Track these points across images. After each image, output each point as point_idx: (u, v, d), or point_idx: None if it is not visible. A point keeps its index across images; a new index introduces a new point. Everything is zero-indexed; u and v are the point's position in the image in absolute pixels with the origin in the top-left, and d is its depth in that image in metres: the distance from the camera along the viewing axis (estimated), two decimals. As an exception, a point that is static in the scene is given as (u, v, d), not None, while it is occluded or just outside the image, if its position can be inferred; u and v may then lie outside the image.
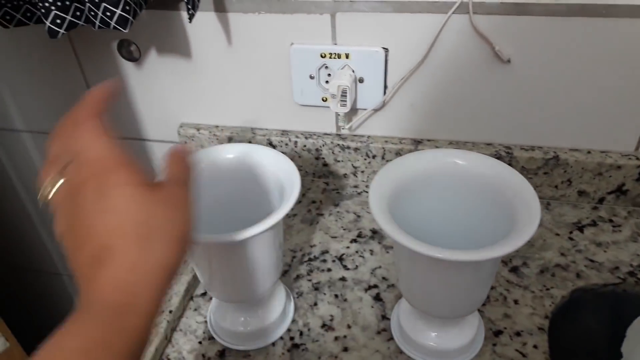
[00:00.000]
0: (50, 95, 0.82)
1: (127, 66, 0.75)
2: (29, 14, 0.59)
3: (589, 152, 0.67)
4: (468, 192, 0.49)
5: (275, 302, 0.56)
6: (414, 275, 0.48)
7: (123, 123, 0.81)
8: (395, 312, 0.58)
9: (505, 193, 0.46)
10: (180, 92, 0.75)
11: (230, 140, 0.76)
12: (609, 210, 0.69)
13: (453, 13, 0.59)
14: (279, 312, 0.56)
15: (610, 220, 0.67)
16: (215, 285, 0.52)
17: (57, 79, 0.79)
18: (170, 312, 0.58)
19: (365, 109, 0.69)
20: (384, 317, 0.58)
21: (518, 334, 0.55)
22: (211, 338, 0.57)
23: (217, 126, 0.77)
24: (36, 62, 0.78)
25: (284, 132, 0.75)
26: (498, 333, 0.56)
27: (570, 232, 0.66)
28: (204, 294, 0.62)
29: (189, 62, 0.72)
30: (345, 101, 0.64)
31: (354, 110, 0.69)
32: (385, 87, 0.67)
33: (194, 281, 0.63)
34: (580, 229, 0.66)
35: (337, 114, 0.70)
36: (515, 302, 0.59)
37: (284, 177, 0.49)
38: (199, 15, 0.66)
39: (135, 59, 0.73)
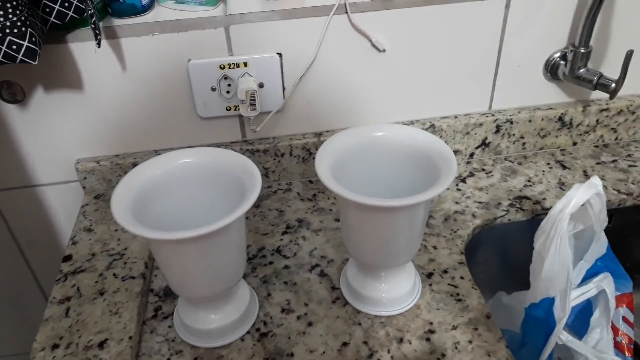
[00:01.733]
0: None
1: (8, 108, 0.70)
2: None
3: (455, 117, 0.81)
4: (393, 158, 0.57)
5: (241, 296, 0.59)
6: (361, 231, 0.55)
7: (7, 172, 0.75)
8: (343, 280, 0.64)
9: (425, 154, 0.55)
10: (72, 128, 0.73)
11: (134, 166, 0.76)
12: (479, 161, 0.84)
13: (333, 14, 0.68)
14: (245, 304, 0.58)
15: (483, 169, 0.82)
16: (187, 284, 0.53)
17: None
18: (130, 338, 0.57)
19: (268, 112, 0.74)
20: (334, 288, 0.64)
21: (445, 271, 0.65)
22: (178, 352, 0.57)
23: (117, 155, 0.76)
24: None
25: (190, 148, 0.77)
26: (430, 275, 0.65)
27: (457, 185, 0.79)
28: (154, 316, 0.62)
29: (80, 94, 0.70)
30: (255, 104, 0.69)
31: (257, 115, 0.74)
32: (284, 88, 0.73)
33: (144, 305, 0.62)
34: (464, 180, 0.80)
35: (247, 119, 0.74)
36: (434, 247, 0.69)
37: (243, 175, 0.52)
38: (89, 45, 0.66)
39: (19, 100, 0.69)
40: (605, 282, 0.65)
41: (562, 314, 0.58)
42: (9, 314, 0.93)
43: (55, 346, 0.56)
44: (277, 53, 0.70)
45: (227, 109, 0.73)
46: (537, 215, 0.74)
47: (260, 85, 0.72)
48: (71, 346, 0.56)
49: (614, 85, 0.72)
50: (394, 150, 0.57)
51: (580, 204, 0.58)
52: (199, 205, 0.57)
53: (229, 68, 0.70)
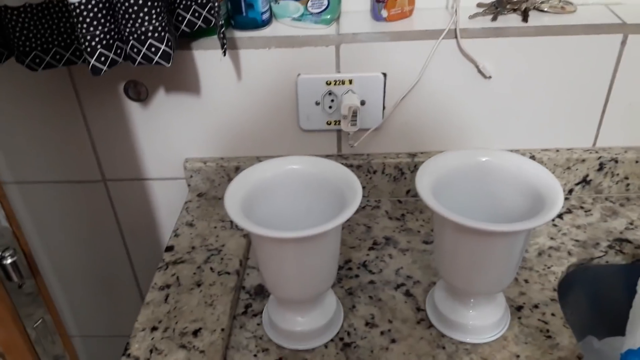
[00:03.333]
0: (46, 141, 0.81)
1: (132, 106, 0.77)
2: (57, 57, 0.61)
3: (557, 150, 0.79)
4: (496, 185, 0.57)
5: (328, 304, 0.60)
6: (456, 252, 0.55)
7: (124, 164, 0.82)
8: (429, 302, 0.64)
9: (530, 183, 0.55)
10: (185, 128, 0.79)
11: (237, 170, 0.80)
12: (577, 199, 0.81)
13: (443, 39, 0.69)
14: (332, 312, 0.60)
15: (581, 207, 0.79)
16: (281, 283, 0.55)
17: (55, 123, 0.79)
18: (222, 330, 0.60)
19: (367, 129, 0.76)
20: (419, 309, 0.64)
21: (536, 306, 0.64)
22: (265, 350, 0.60)
23: (222, 158, 0.81)
24: (33, 107, 0.78)
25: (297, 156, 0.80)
26: (520, 308, 0.63)
27: (553, 220, 0.77)
28: (245, 312, 0.65)
29: (196, 98, 0.76)
30: (356, 121, 0.72)
31: (356, 131, 0.76)
32: (384, 107, 0.75)
33: (236, 300, 0.65)
34: (560, 217, 0.77)
35: (345, 134, 0.77)
36: (526, 281, 0.67)
37: (344, 186, 0.54)
38: (210, 53, 0.71)
39: (142, 99, 0.76)
40: None
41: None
42: (103, 296, 1.01)
43: (154, 328, 0.61)
44: (382, 73, 0.72)
45: (327, 123, 0.76)
46: (638, 260, 0.70)
47: (362, 103, 0.74)
48: (168, 330, 0.60)
49: None
50: (497, 177, 0.57)
51: None
52: (298, 210, 0.59)
53: (335, 84, 0.73)
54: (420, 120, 0.77)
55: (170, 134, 0.79)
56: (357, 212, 0.80)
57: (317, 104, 0.74)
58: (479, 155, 0.58)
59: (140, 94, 0.76)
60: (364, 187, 0.81)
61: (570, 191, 0.81)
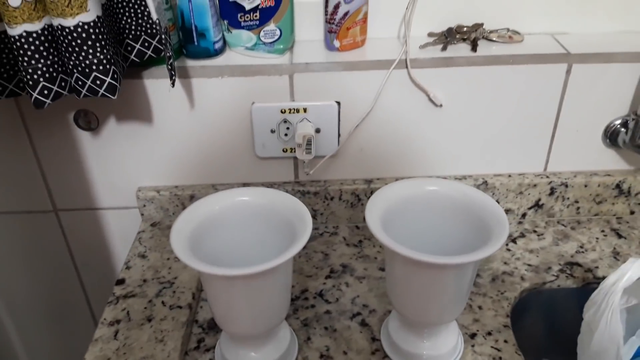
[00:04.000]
0: (-10, 172, 0.78)
1: (83, 135, 0.75)
2: (21, 84, 0.59)
3: (509, 176, 0.80)
4: (444, 214, 0.58)
5: (282, 337, 0.59)
6: (407, 284, 0.55)
7: (76, 193, 0.80)
8: (384, 332, 0.63)
9: (476, 212, 0.56)
10: (138, 157, 0.77)
11: (192, 198, 0.79)
12: (530, 222, 0.82)
13: (394, 69, 0.70)
14: (285, 346, 0.59)
15: (534, 231, 0.80)
16: (231, 319, 0.54)
17: (2, 153, 0.77)
18: (172, 367, 0.58)
19: (322, 156, 0.76)
20: (374, 339, 0.64)
21: (489, 333, 0.64)
22: (216, 386, 0.58)
23: (176, 186, 0.80)
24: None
25: (246, 185, 0.80)
26: (473, 335, 0.64)
27: (507, 245, 0.78)
28: (197, 347, 0.63)
29: (148, 127, 0.75)
30: (310, 149, 0.72)
31: (312, 158, 0.76)
32: (339, 135, 0.75)
33: (188, 335, 0.64)
34: (514, 241, 0.78)
35: (301, 162, 0.77)
36: (480, 307, 0.67)
37: (294, 217, 0.54)
38: (162, 82, 0.71)
39: (92, 128, 0.74)
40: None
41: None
42: (57, 330, 0.97)
43: (101, 367, 0.59)
44: (336, 101, 0.73)
45: (283, 151, 0.76)
46: (589, 283, 0.72)
47: (317, 131, 0.74)
48: (116, 369, 0.58)
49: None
50: (445, 206, 0.58)
51: (635, 278, 0.56)
52: (250, 242, 0.58)
53: (289, 113, 0.73)
54: (375, 147, 0.77)
55: (122, 163, 0.78)
56: (314, 239, 0.80)
57: (273, 131, 0.74)
58: (426, 184, 0.58)
59: (91, 122, 0.74)
60: (321, 214, 0.81)
61: (524, 215, 0.82)
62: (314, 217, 0.81)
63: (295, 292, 0.70)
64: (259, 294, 0.53)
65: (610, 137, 0.77)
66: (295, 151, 0.75)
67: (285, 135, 0.75)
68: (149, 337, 0.62)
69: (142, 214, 0.80)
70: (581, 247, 0.77)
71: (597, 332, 0.56)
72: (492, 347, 0.62)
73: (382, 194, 0.57)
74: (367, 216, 0.54)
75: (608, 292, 0.57)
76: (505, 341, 0.63)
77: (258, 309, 0.54)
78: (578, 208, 0.82)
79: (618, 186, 0.80)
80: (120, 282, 0.70)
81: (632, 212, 0.83)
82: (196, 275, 0.71)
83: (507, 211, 0.82)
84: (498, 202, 0.80)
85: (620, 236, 0.79)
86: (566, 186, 0.80)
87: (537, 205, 0.81)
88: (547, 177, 0.80)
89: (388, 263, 0.57)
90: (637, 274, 0.56)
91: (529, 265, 0.74)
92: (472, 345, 0.62)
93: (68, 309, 0.94)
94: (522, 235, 0.79)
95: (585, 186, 0.80)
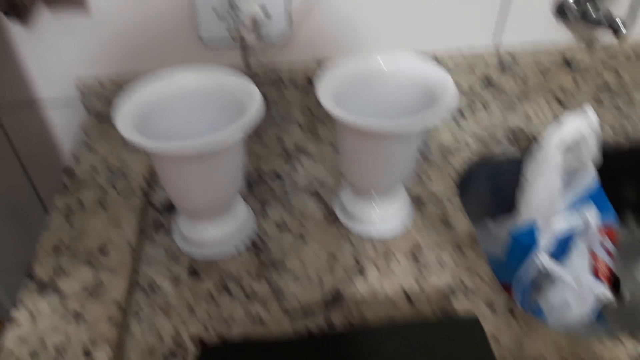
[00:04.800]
0: None
1: (12, 27, 0.70)
2: None
3: (459, 49, 0.80)
4: (395, 88, 0.57)
5: (239, 211, 0.61)
6: (355, 153, 0.56)
7: (13, 87, 0.76)
8: (337, 202, 0.65)
9: (427, 84, 0.55)
10: (75, 45, 0.73)
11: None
12: (479, 96, 0.83)
13: None
14: (242, 218, 0.60)
15: (482, 104, 0.82)
16: (185, 196, 0.55)
17: None
18: (131, 246, 0.59)
19: (272, 42, 0.74)
20: (329, 211, 0.66)
21: (436, 198, 0.67)
22: (176, 260, 0.60)
23: (118, 74, 0.77)
24: None
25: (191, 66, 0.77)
26: (421, 202, 0.67)
27: (455, 118, 0.79)
28: (154, 228, 0.64)
29: (83, 13, 0.70)
30: (259, 32, 0.69)
31: (262, 45, 0.74)
32: (289, 21, 0.73)
33: (144, 218, 0.64)
34: (462, 115, 0.80)
35: (251, 49, 0.74)
36: (429, 177, 0.70)
37: (244, 96, 0.53)
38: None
39: (22, 18, 0.69)
40: (589, 213, 0.66)
41: (543, 236, 0.60)
42: (10, 224, 0.96)
43: (57, 249, 0.59)
44: (281, -25, 0.69)
45: (231, 36, 0.73)
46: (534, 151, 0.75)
47: (266, 15, 0.71)
48: (73, 250, 0.59)
49: (622, 28, 0.71)
50: (396, 80, 0.57)
51: (572, 133, 0.59)
52: (200, 125, 0.57)
53: (232, -11, 0.69)
54: (326, 29, 0.75)
55: (58, 52, 0.73)
56: (269, 126, 0.80)
57: (217, 12, 0.71)
58: (376, 59, 0.57)
59: (21, 12, 0.68)
60: (275, 103, 0.80)
61: (472, 89, 0.84)
62: (267, 106, 0.80)
63: (253, 174, 0.71)
64: (210, 170, 0.53)
65: (559, 9, 0.77)
66: (243, 35, 0.72)
67: (232, 18, 0.71)
68: (104, 222, 0.62)
69: (84, 105, 0.77)
70: (527, 117, 0.80)
71: (536, 185, 0.60)
72: (439, 210, 0.65)
73: (333, 71, 0.56)
74: (319, 91, 0.53)
75: (547, 147, 0.59)
76: (452, 205, 0.66)
77: (209, 183, 0.54)
78: (526, 81, 0.84)
79: (565, 58, 0.81)
80: (70, 172, 0.69)
81: (577, 84, 0.85)
82: (147, 161, 0.70)
83: (457, 85, 0.82)
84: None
85: (564, 106, 0.82)
86: (514, 59, 0.81)
87: (486, 78, 0.82)
88: (496, 50, 0.80)
89: (339, 135, 0.58)
90: (574, 129, 0.59)
91: (477, 136, 0.76)
92: (421, 210, 0.65)
93: (19, 203, 0.92)
94: (471, 109, 0.81)
95: (533, 59, 0.81)
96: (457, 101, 0.53)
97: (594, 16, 0.74)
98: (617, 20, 0.72)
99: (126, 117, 0.51)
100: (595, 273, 0.72)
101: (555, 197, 0.60)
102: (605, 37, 0.80)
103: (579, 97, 0.83)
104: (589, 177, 0.66)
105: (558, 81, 0.84)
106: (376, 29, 0.77)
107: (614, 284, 0.74)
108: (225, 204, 0.58)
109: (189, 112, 0.57)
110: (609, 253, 0.73)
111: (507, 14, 0.77)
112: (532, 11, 0.78)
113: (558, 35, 0.81)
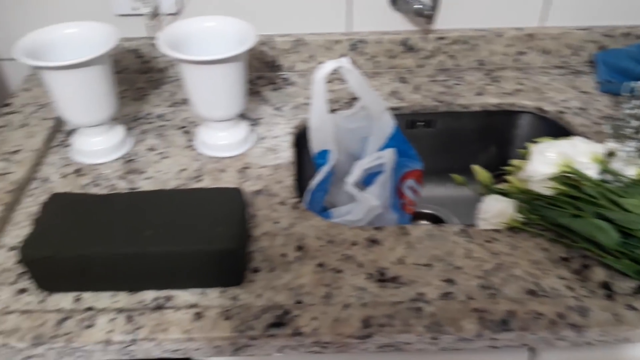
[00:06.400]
0: None
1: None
2: None
3: (319, 34, 1.03)
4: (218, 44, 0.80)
5: (118, 131, 0.84)
6: (190, 87, 0.79)
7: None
8: (196, 133, 0.88)
9: (238, 38, 0.78)
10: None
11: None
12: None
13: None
14: (119, 138, 0.83)
15: (338, 79, 1.04)
16: (71, 111, 0.78)
17: None
18: (36, 150, 0.82)
19: (166, 12, 0.98)
20: (190, 141, 0.88)
21: (275, 137, 0.89)
22: (68, 165, 0.82)
23: (56, 40, 1.01)
24: None
25: (111, 39, 1.01)
26: (263, 139, 0.89)
27: (314, 87, 1.02)
28: (59, 144, 0.87)
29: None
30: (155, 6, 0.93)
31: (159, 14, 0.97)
32: (179, -4, 0.96)
33: (53, 135, 0.87)
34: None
35: (148, 16, 0.98)
36: (269, 119, 0.92)
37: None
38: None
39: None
40: (388, 154, 0.87)
41: (333, 160, 0.82)
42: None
43: (-16, 151, 0.82)
44: (173, -33, 0.93)
45: (132, 8, 0.96)
46: (368, 112, 0.97)
47: (161, -8, 0.95)
48: (-5, 152, 0.82)
49: (428, 11, 0.93)
50: (224, 39, 0.80)
51: (330, 67, 0.80)
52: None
53: (136, -24, 0.93)
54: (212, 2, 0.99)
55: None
56: (168, 83, 1.02)
57: (125, -8, 0.95)
58: (206, 21, 0.81)
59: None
60: (173, 65, 1.04)
61: (334, 67, 1.06)
62: (170, 68, 1.03)
63: (143, 115, 0.94)
64: (87, 85, 0.76)
65: (393, 2, 0.99)
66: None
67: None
68: (22, 135, 0.86)
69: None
70: (376, 89, 1.01)
71: (312, 116, 0.82)
72: (273, 141, 0.87)
73: (174, 26, 0.79)
74: (158, 42, 0.76)
75: (314, 82, 0.81)
76: (285, 141, 0.88)
77: (85, 100, 0.77)
78: (376, 62, 1.06)
79: (404, 43, 1.03)
80: (8, 104, 0.93)
81: (420, 66, 1.07)
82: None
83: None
84: (313, 57, 1.03)
85: (404, 82, 1.03)
86: (364, 43, 1.03)
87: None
88: (348, 35, 1.03)
89: (181, 75, 0.80)
90: (330, 67, 0.80)
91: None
92: (261, 141, 0.87)
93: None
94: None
95: (378, 43, 1.03)
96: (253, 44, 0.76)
97: (405, 3, 0.95)
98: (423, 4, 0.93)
99: (22, 50, 0.74)
100: (403, 209, 0.93)
101: (327, 123, 0.81)
102: (439, 24, 1.02)
103: (419, 76, 1.04)
104: (386, 125, 0.88)
105: (404, 63, 1.06)
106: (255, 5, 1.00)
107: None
108: (102, 121, 0.80)
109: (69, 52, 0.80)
110: (415, 192, 0.94)
111: (354, 4, 1.00)
112: (373, 3, 1.00)
113: (398, 24, 1.02)
